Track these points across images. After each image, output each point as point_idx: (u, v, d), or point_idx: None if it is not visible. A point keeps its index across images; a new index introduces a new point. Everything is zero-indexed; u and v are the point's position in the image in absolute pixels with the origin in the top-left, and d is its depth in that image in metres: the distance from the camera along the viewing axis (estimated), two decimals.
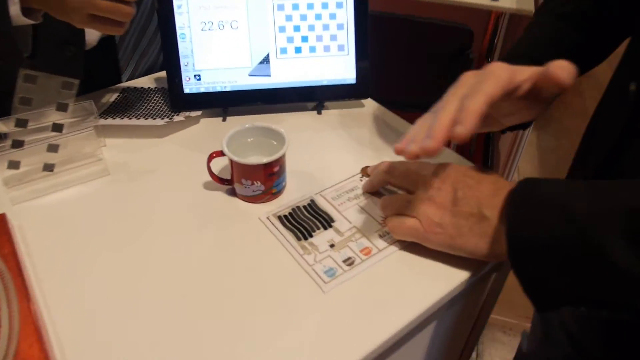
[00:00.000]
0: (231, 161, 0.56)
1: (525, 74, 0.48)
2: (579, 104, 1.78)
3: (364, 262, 0.52)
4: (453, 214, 0.49)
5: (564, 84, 0.44)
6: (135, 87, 0.80)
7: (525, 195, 0.43)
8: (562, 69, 0.45)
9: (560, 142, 2.10)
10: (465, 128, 0.44)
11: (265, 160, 0.55)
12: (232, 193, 0.60)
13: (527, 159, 1.94)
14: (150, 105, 0.75)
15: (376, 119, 0.76)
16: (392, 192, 0.60)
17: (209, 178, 0.60)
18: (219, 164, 0.63)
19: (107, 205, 0.59)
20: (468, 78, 0.50)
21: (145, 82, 0.84)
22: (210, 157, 0.58)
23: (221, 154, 0.57)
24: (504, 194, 0.47)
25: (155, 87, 0.80)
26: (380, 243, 0.54)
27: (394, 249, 0.53)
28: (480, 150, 2.04)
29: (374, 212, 0.58)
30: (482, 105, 0.45)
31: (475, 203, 0.48)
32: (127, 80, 0.84)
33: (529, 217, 0.42)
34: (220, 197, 0.60)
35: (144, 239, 0.55)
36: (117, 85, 0.82)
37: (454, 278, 0.50)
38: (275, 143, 0.61)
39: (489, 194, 0.48)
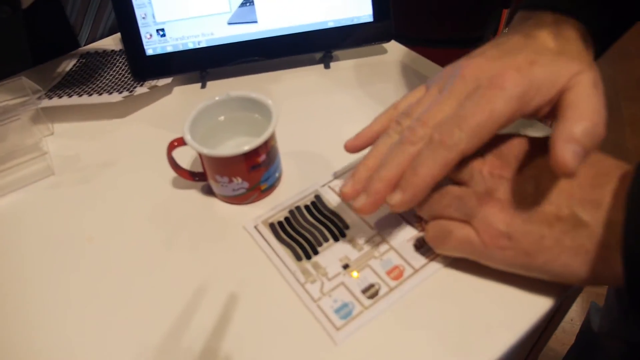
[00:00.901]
0: (198, 152, 0.40)
1: (548, 92, 0.31)
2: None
3: (393, 291, 0.35)
4: (528, 217, 0.31)
5: (569, 172, 0.28)
6: (96, 51, 0.64)
7: None
8: (572, 146, 0.28)
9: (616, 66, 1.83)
10: (403, 199, 0.33)
11: (246, 147, 0.38)
12: (210, 190, 0.44)
13: None
14: (112, 74, 0.59)
15: (405, 68, 0.57)
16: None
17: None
18: (189, 153, 0.47)
19: (46, 218, 0.44)
20: (458, 85, 0.34)
21: (109, 43, 0.67)
22: (171, 147, 0.42)
23: (184, 141, 0.41)
24: (612, 182, 0.30)
25: (121, 49, 0.64)
26: (417, 259, 0.37)
27: (436, 266, 0.36)
28: None
29: (408, 211, 0.40)
30: (448, 162, 0.32)
31: (564, 200, 0.31)
32: (87, 44, 0.67)
33: None
34: (194, 197, 0.44)
35: (93, 261, 0.40)
36: (76, 50, 0.65)
37: (528, 313, 0.34)
38: (259, 118, 0.44)
39: (586, 182, 0.31)
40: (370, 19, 0.56)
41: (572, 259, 0.30)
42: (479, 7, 1.27)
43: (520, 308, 0.34)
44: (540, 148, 0.33)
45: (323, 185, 0.43)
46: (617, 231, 0.28)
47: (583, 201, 0.30)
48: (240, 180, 0.41)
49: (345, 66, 0.58)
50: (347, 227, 0.40)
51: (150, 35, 0.54)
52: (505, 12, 1.32)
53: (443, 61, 0.56)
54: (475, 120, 0.32)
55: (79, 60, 0.63)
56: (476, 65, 0.35)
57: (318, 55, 0.59)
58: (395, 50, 0.60)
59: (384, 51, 0.60)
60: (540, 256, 0.31)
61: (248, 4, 0.54)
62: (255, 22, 0.54)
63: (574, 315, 1.28)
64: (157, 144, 0.50)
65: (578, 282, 0.31)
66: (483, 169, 0.34)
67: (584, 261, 0.30)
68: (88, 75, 0.59)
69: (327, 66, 0.58)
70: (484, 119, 0.31)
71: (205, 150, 0.39)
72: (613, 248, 0.29)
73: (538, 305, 0.34)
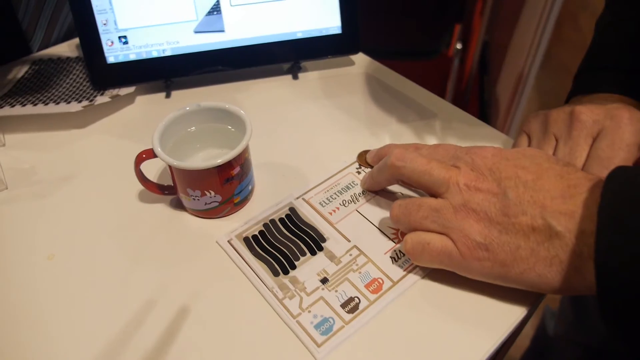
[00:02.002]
0: (169, 165, 0.38)
1: None
2: (578, 39, 1.60)
3: (373, 304, 0.35)
4: (504, 228, 0.32)
5: None
6: (50, 58, 0.61)
7: (631, 192, 0.27)
8: None
9: (559, 80, 1.93)
10: None
11: (219, 160, 0.37)
12: (180, 204, 0.43)
13: (523, 103, 1.79)
14: (69, 82, 0.56)
15: (371, 80, 0.57)
16: (407, 192, 0.43)
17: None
18: (157, 164, 0.45)
19: (1, 236, 0.42)
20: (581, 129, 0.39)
21: (64, 49, 0.64)
22: (139, 159, 0.40)
23: (153, 153, 0.39)
24: (583, 193, 0.31)
25: (77, 57, 0.61)
26: (395, 271, 0.37)
27: (414, 278, 0.37)
28: (476, 95, 1.88)
29: (383, 221, 0.41)
30: None
31: (537, 210, 0.32)
32: (39, 50, 0.64)
33: None
34: (162, 211, 0.43)
35: (55, 280, 0.37)
36: (28, 56, 0.62)
37: (504, 319, 0.34)
38: (232, 129, 0.43)
39: (557, 194, 0.32)
40: (339, 31, 0.56)
41: (547, 269, 0.31)
42: (435, 21, 1.31)
43: (496, 317, 0.34)
44: (514, 160, 0.34)
45: (297, 198, 0.43)
46: (589, 241, 0.29)
47: (555, 212, 0.31)
48: (213, 193, 0.39)
49: (313, 77, 0.58)
50: (323, 239, 0.39)
51: (112, 42, 0.52)
52: (458, 27, 1.38)
53: (405, 72, 0.57)
54: (620, 159, 0.36)
55: (31, 67, 0.59)
56: (588, 109, 0.39)
57: (286, 65, 0.59)
58: (361, 62, 0.60)
59: (351, 63, 0.60)
60: (516, 267, 0.32)
61: (215, 13, 0.53)
62: (223, 31, 0.54)
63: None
64: (120, 155, 0.48)
65: (552, 292, 0.32)
66: (459, 181, 0.34)
67: (558, 271, 0.31)
68: (42, 83, 0.56)
69: (295, 77, 0.58)
70: (623, 156, 0.36)
71: (177, 163, 0.37)
72: (586, 258, 0.30)
73: (512, 314, 0.34)
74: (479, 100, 1.85)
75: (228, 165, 0.38)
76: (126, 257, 0.39)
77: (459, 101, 1.65)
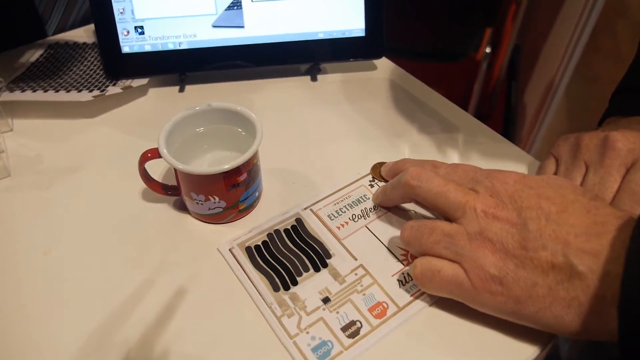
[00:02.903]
0: (174, 167, 0.37)
1: None
2: (612, 46, 1.55)
3: (375, 330, 0.33)
4: (520, 262, 0.30)
5: None
6: (66, 42, 0.60)
7: None
8: None
9: (591, 91, 1.87)
10: None
11: (226, 166, 0.36)
12: (183, 206, 0.42)
13: (552, 112, 1.74)
14: (82, 69, 0.55)
15: (393, 87, 0.55)
16: (421, 211, 0.41)
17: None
18: (163, 162, 0.44)
19: None
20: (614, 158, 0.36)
21: (80, 34, 0.63)
22: (144, 158, 0.39)
23: (159, 153, 0.38)
24: (610, 232, 0.29)
25: (93, 43, 0.60)
26: (402, 295, 0.35)
27: (421, 305, 0.35)
28: (503, 101, 1.83)
29: (393, 240, 0.39)
30: None
31: (559, 246, 0.29)
32: (55, 34, 0.63)
33: None
34: (165, 212, 0.41)
35: (49, 277, 0.36)
36: (43, 40, 0.61)
37: (512, 359, 0.32)
38: (242, 132, 0.41)
39: (582, 230, 0.30)
40: (362, 34, 0.54)
41: (565, 311, 0.29)
42: (465, 23, 1.28)
43: (505, 355, 0.32)
44: (537, 189, 0.32)
45: (305, 208, 0.41)
46: (614, 285, 0.27)
47: (579, 250, 0.29)
48: (217, 199, 0.38)
49: (333, 80, 0.56)
50: (329, 255, 0.38)
51: (128, 32, 0.51)
52: (488, 31, 1.34)
53: (430, 74, 0.55)
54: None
55: (46, 51, 0.59)
56: (623, 136, 0.36)
57: (304, 66, 0.57)
58: (384, 67, 0.58)
59: (374, 67, 0.58)
60: (531, 305, 0.30)
61: (235, 8, 0.51)
62: (242, 27, 0.52)
63: None
64: (127, 150, 0.47)
65: (568, 334, 0.30)
66: (477, 207, 0.32)
67: (577, 313, 0.29)
68: (55, 68, 0.55)
69: (314, 79, 0.56)
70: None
71: (181, 167, 0.36)
72: (609, 302, 0.28)
73: (522, 353, 0.32)
74: (505, 106, 1.81)
75: (235, 171, 0.37)
76: (123, 257, 0.38)
77: (485, 105, 1.61)
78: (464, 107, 0.52)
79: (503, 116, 1.73)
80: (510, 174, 0.34)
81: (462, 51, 1.33)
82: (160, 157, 0.38)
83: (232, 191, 0.38)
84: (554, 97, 1.42)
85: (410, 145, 0.48)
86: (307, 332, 0.33)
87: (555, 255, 0.29)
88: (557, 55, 1.29)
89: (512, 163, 0.46)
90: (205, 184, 0.37)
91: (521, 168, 0.45)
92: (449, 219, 0.34)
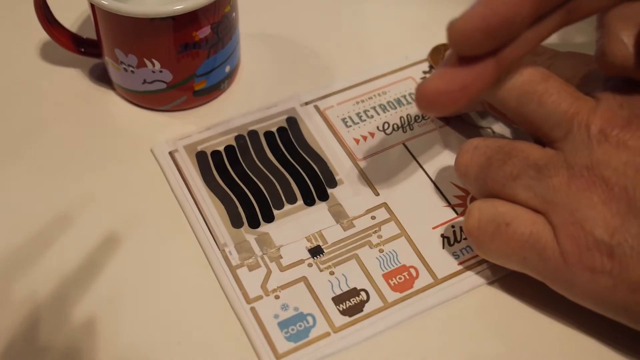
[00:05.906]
0: (90, 4, 0.29)
1: None
2: None
3: (389, 308, 0.26)
4: None
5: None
6: None
7: None
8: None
9: None
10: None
11: (177, 7, 0.28)
12: (105, 75, 0.34)
13: None
14: None
15: None
16: (500, 130, 0.32)
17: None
18: (77, 3, 0.35)
19: None
20: None
21: None
22: None
23: None
24: None
25: None
26: (444, 263, 0.27)
27: (474, 281, 0.26)
28: None
29: (445, 172, 0.30)
30: None
31: None
32: None
33: None
34: (74, 83, 0.35)
35: None
36: None
37: None
38: None
39: None
40: None
41: None
42: None
43: None
44: None
45: (306, 103, 0.33)
46: None
47: None
48: (158, 65, 0.30)
49: None
50: (333, 182, 0.29)
51: None
52: None
53: None
54: None
55: None
56: None
57: None
58: None
59: None
60: None
61: None
62: None
63: None
64: None
65: None
66: (592, 122, 0.25)
67: None
68: None
69: None
70: None
71: (105, 1, 0.28)
72: None
73: None
74: None
75: (191, 18, 0.28)
76: (4, 147, 0.31)
77: None
78: None
79: None
80: None
81: None
82: None
83: (185, 55, 0.29)
84: None
85: None
86: (277, 297, 0.26)
87: None
88: None
89: None
90: (141, 35, 0.29)
91: None
92: (541, 140, 0.27)
